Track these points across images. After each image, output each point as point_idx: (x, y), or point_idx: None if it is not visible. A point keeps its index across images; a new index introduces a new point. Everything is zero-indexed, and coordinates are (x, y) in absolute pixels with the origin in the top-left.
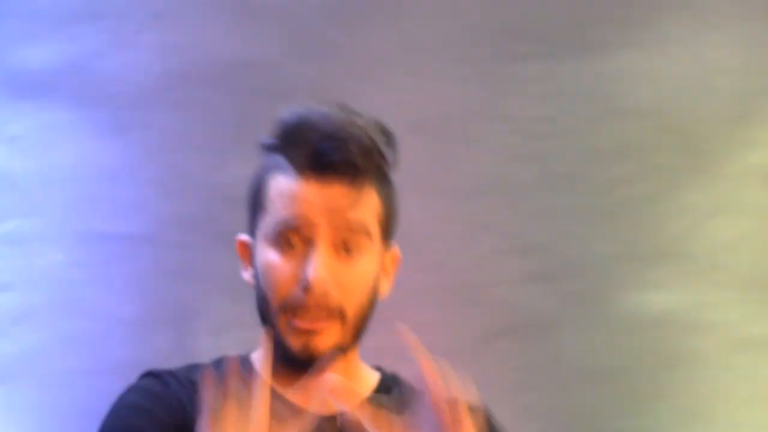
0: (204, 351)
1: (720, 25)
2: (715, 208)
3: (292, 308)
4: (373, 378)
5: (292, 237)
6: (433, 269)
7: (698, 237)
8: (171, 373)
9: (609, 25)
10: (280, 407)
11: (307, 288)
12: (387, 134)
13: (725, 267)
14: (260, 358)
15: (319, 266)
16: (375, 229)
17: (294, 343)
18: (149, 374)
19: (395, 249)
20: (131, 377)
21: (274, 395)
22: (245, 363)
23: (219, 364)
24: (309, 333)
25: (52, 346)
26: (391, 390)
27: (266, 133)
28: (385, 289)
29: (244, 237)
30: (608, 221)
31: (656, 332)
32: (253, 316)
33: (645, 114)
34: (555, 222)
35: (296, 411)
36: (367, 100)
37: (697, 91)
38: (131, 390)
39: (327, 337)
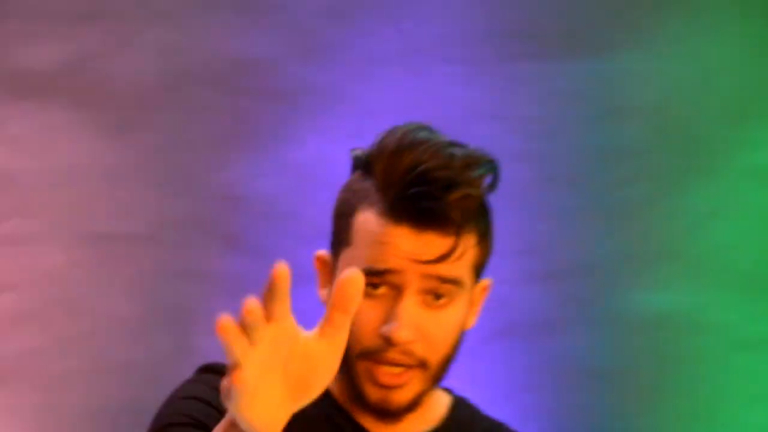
0: (204, 351)
1: (720, 25)
2: (715, 208)
3: (373, 356)
4: (443, 403)
5: (378, 281)
6: None
7: (698, 237)
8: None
9: (609, 25)
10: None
11: (390, 342)
12: (490, 164)
13: (725, 267)
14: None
15: (404, 322)
16: (468, 277)
17: (372, 394)
18: (209, 369)
19: (485, 280)
20: (131, 377)
21: (347, 418)
22: None
23: None
24: (390, 388)
25: (52, 346)
26: (460, 416)
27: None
28: (472, 322)
29: (323, 253)
30: (608, 221)
31: (656, 332)
32: None
33: (645, 114)
34: (555, 222)
35: None
36: (367, 100)
37: (697, 91)
38: (195, 382)
39: (407, 390)
